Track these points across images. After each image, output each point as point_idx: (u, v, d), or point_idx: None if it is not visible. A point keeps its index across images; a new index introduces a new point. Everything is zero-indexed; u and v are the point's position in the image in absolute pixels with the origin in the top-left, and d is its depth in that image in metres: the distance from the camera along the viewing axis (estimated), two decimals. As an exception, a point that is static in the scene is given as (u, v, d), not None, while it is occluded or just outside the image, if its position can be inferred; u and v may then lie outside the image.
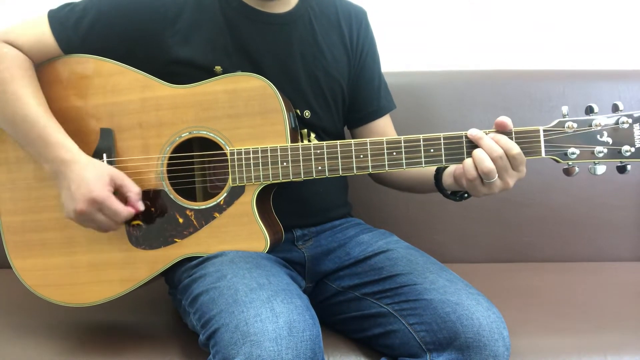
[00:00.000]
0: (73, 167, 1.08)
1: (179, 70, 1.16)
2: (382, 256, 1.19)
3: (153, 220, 1.15)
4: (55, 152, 1.10)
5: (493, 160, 0.99)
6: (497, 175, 1.00)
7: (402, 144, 1.05)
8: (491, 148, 1.00)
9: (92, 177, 1.07)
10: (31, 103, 1.11)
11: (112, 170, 1.11)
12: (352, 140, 1.08)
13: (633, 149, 1.00)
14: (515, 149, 1.00)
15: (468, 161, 1.01)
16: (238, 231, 1.12)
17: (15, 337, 1.20)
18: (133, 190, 1.11)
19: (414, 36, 1.85)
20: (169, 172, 1.15)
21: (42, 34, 1.15)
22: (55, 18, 1.16)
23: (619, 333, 1.20)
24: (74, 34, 1.16)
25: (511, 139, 1.01)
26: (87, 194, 1.06)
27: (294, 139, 1.13)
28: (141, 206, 1.11)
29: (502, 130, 1.02)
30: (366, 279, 1.17)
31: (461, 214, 1.64)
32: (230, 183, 1.12)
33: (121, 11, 1.16)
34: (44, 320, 1.26)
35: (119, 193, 1.11)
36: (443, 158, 1.04)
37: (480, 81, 1.70)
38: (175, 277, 1.18)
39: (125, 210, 1.09)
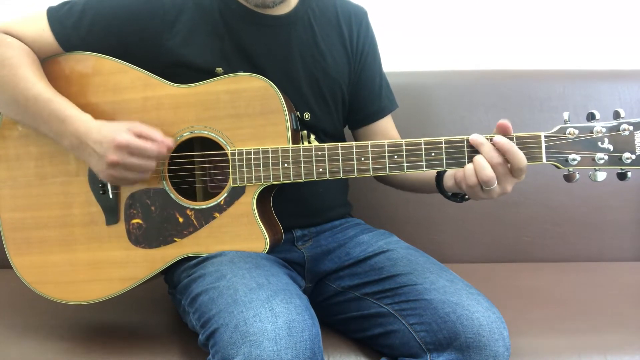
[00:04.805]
0: (91, 133, 1.08)
1: (178, 71, 1.16)
2: (382, 256, 1.19)
3: (153, 219, 1.15)
4: (71, 126, 1.09)
5: (493, 166, 0.99)
6: (496, 182, 1.00)
7: (404, 147, 1.05)
8: (491, 155, 0.99)
9: (110, 130, 1.07)
10: (41, 84, 1.12)
11: (128, 122, 1.10)
12: (354, 143, 1.07)
13: (634, 156, 0.99)
14: (523, 161, 0.99)
15: (469, 167, 1.01)
16: (238, 231, 1.12)
17: (15, 337, 1.20)
18: (153, 132, 1.09)
19: (414, 36, 1.85)
20: (169, 171, 1.15)
21: (42, 31, 1.16)
22: (55, 17, 1.16)
23: (619, 333, 1.20)
24: (73, 34, 1.16)
25: None
26: (110, 144, 1.06)
27: (295, 140, 1.12)
28: (169, 141, 1.09)
29: (503, 133, 1.01)
30: (366, 279, 1.17)
31: (461, 214, 1.64)
32: (230, 183, 1.12)
33: (120, 12, 1.16)
34: (43, 319, 1.26)
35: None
36: (444, 162, 1.04)
37: (480, 81, 1.70)
38: (174, 276, 1.18)
39: (155, 146, 1.07)
